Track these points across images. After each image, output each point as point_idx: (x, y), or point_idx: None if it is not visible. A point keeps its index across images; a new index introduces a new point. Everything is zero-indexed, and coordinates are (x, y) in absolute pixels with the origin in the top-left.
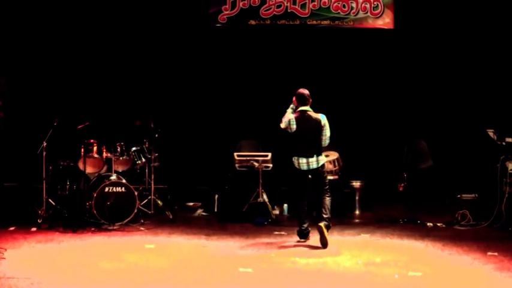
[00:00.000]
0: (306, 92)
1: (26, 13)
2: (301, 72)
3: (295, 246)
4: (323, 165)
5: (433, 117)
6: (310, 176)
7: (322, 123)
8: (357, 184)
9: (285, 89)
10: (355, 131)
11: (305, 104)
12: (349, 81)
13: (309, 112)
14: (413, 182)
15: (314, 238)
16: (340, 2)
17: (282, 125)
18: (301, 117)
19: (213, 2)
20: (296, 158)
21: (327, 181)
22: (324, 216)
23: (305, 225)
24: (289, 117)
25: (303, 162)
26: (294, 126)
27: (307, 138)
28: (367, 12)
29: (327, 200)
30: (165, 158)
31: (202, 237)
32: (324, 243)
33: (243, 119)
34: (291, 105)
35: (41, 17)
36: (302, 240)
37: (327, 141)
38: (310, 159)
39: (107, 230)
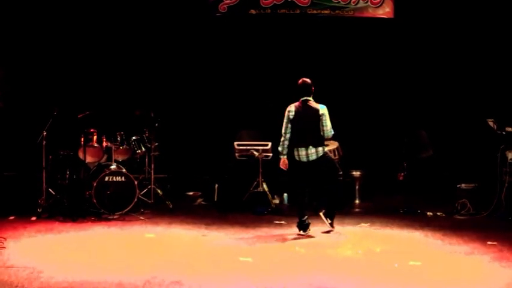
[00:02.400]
0: (308, 81)
1: (25, 3)
2: (301, 61)
3: (295, 235)
4: (323, 155)
5: (434, 107)
6: (311, 168)
7: (320, 112)
8: (357, 174)
9: (286, 78)
10: (356, 120)
11: (307, 94)
12: (350, 71)
13: (309, 102)
14: (413, 172)
15: (314, 228)
16: None
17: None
18: (301, 107)
19: None
20: (296, 149)
21: (334, 170)
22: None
23: (305, 218)
24: (289, 107)
25: (302, 154)
26: (292, 114)
27: (305, 128)
28: (367, 2)
29: (337, 193)
30: (165, 148)
31: (202, 226)
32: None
33: (243, 108)
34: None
35: (40, 7)
36: (302, 233)
37: (329, 133)
38: (309, 151)
39: (106, 219)
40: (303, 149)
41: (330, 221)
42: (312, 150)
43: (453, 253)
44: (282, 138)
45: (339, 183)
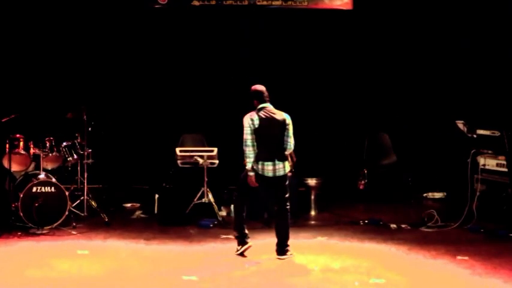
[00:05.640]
0: (262, 88)
1: None
2: (250, 57)
3: (244, 251)
4: (286, 174)
5: (396, 107)
6: (273, 184)
7: (287, 122)
8: (312, 182)
9: (233, 76)
10: (311, 122)
11: (265, 101)
12: (305, 68)
13: (271, 109)
14: (374, 180)
15: (265, 241)
16: None
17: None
18: (266, 115)
19: None
20: (261, 162)
21: (287, 191)
22: (286, 248)
23: (246, 230)
24: (250, 116)
25: (268, 169)
26: (256, 122)
27: (271, 140)
28: None
29: (286, 224)
30: (99, 155)
31: (141, 241)
32: None
33: (186, 110)
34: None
35: None
36: (245, 246)
37: (292, 146)
38: (277, 166)
39: (35, 234)
40: (270, 163)
41: (286, 255)
42: (279, 165)
43: (420, 269)
44: (250, 151)
45: (286, 214)
